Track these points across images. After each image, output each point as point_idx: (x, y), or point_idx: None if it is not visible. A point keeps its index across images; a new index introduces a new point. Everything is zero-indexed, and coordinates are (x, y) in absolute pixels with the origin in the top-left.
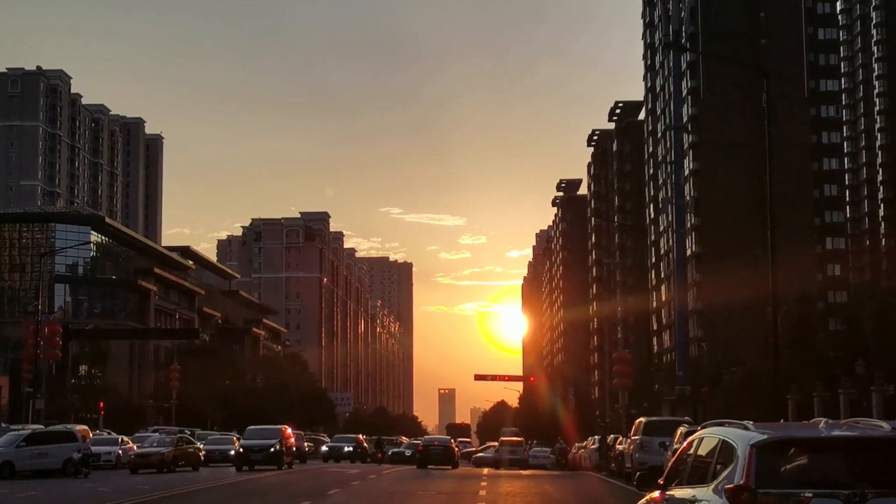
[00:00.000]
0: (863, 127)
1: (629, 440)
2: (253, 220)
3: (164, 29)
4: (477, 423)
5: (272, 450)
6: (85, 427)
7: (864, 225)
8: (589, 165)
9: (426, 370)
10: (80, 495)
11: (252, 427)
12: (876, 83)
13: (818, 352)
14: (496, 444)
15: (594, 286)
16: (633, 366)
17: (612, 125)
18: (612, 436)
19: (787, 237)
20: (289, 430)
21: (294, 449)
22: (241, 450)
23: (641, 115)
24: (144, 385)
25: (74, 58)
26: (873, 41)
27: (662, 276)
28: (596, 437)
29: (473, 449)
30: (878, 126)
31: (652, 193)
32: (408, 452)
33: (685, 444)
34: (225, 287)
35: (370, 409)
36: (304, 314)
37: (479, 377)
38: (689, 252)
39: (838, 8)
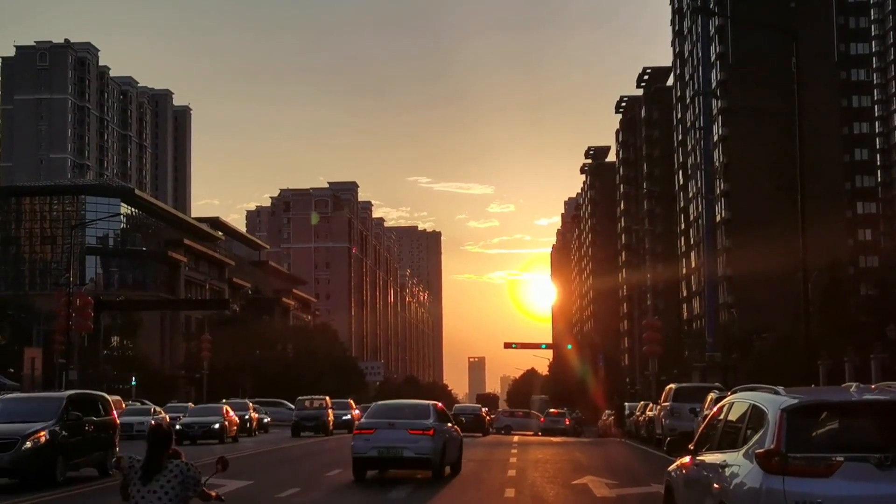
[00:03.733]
0: (894, 90)
1: (659, 407)
2: (281, 190)
3: (191, 0)
4: (506, 392)
5: (26, 446)
6: (118, 398)
7: (895, 189)
8: (617, 132)
9: (456, 339)
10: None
11: None
12: None
13: (849, 317)
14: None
15: (623, 253)
16: (663, 333)
17: (640, 91)
18: (641, 403)
19: (817, 202)
20: (114, 406)
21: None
22: None
23: (670, 82)
24: (176, 355)
25: (101, 30)
26: None
27: (692, 242)
28: (626, 404)
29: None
30: None
31: (681, 160)
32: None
33: (715, 409)
34: (254, 257)
35: (400, 378)
36: (334, 284)
37: (507, 345)
38: (718, 218)
39: None
